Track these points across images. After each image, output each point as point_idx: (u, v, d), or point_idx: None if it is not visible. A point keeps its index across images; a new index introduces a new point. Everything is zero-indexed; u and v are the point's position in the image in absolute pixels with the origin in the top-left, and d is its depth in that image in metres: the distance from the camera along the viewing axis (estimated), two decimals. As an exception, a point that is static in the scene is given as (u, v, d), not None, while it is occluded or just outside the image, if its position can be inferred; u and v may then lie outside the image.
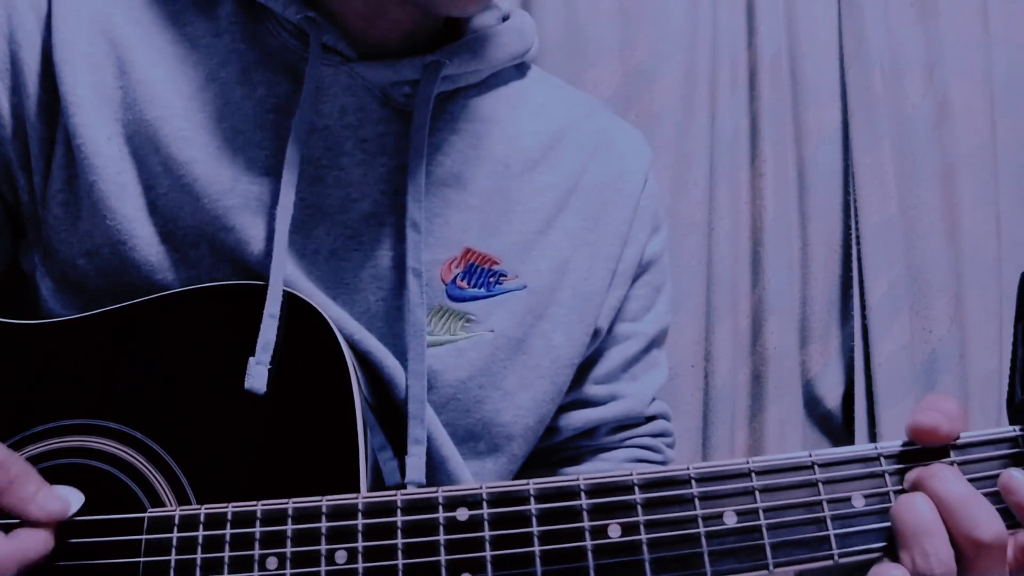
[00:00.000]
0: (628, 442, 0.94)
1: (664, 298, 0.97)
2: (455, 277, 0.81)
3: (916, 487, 0.60)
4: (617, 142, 0.94)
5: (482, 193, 0.83)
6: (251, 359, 0.69)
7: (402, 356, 0.78)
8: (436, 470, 0.79)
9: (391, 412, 0.78)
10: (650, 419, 0.96)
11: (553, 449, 0.93)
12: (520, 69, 0.92)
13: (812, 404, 1.73)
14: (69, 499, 0.63)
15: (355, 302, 0.78)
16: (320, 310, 0.71)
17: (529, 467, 0.93)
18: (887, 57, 1.72)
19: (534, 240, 0.84)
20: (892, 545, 0.60)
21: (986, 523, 0.58)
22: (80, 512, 0.64)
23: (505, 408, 0.83)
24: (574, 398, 0.91)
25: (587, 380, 0.91)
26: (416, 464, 0.75)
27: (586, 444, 0.93)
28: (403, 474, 0.75)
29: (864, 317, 1.69)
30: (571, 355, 0.86)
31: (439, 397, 0.80)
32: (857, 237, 1.70)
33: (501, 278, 0.83)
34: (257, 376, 0.69)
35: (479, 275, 0.82)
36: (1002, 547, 0.58)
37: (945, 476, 0.59)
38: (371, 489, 0.68)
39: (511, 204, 0.84)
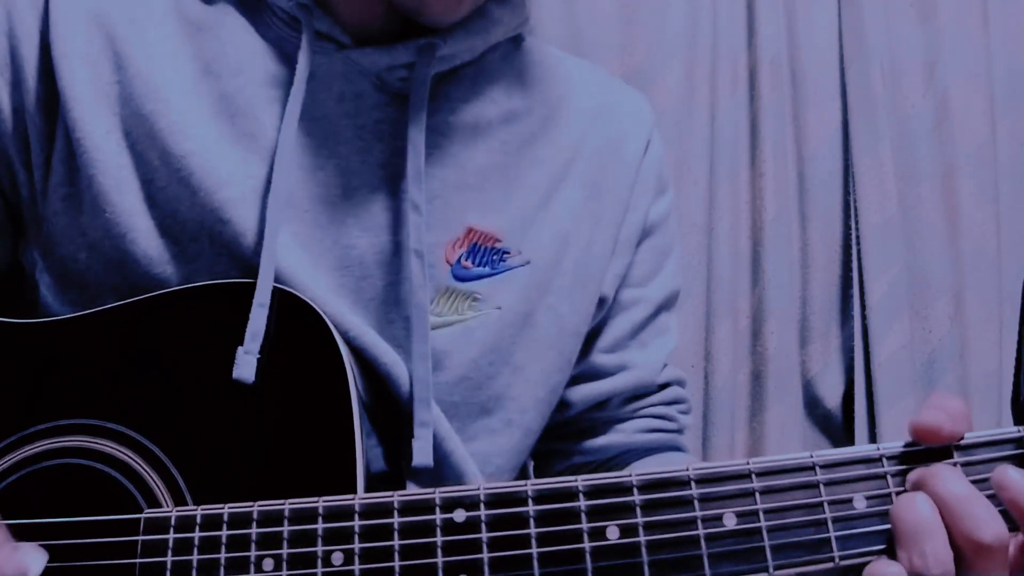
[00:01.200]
0: (641, 412, 0.94)
1: (672, 262, 0.96)
2: (459, 257, 0.81)
3: (917, 487, 0.59)
4: (618, 106, 0.93)
5: (481, 171, 0.83)
6: (240, 348, 0.68)
7: (404, 343, 0.78)
8: (440, 464, 0.79)
9: (388, 406, 0.77)
10: (663, 387, 0.95)
11: (567, 422, 0.93)
12: (516, 42, 0.91)
13: (812, 404, 1.73)
14: (28, 564, 0.61)
15: (360, 289, 0.78)
16: (315, 306, 0.71)
17: (544, 441, 0.93)
18: (887, 57, 1.72)
19: (534, 215, 0.84)
20: (892, 546, 0.59)
21: (987, 524, 0.56)
22: (76, 512, 0.64)
23: (516, 382, 0.83)
24: (583, 370, 0.91)
25: (595, 349, 0.91)
26: (423, 447, 0.75)
27: (599, 416, 0.93)
28: (410, 459, 0.75)
29: (864, 317, 1.69)
30: (577, 324, 0.87)
31: (450, 377, 0.80)
32: (857, 237, 1.70)
33: (505, 255, 0.82)
34: (245, 365, 0.68)
35: (483, 254, 0.82)
36: (1003, 548, 0.57)
37: (946, 476, 0.58)
38: (367, 482, 0.68)
39: (510, 181, 0.84)
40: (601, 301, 0.89)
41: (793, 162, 1.72)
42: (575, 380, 0.91)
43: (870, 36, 1.70)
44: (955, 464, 0.60)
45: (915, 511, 0.58)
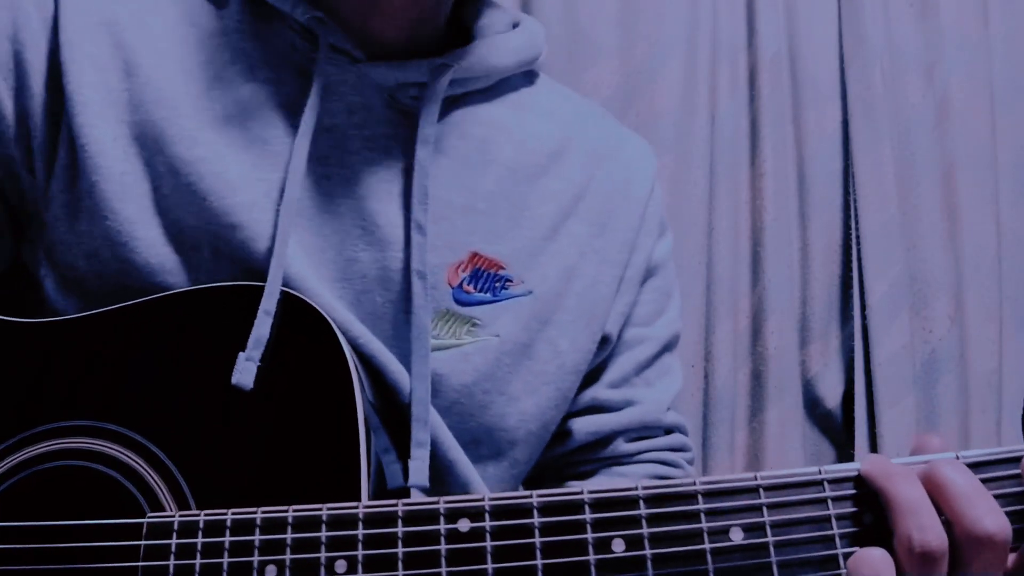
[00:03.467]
0: (646, 455, 0.92)
1: (674, 303, 0.96)
2: (462, 281, 0.80)
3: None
4: (624, 149, 0.94)
5: (488, 197, 0.83)
6: (241, 354, 0.68)
7: (407, 359, 0.77)
8: (444, 473, 0.79)
9: (396, 416, 0.77)
10: (668, 432, 0.94)
11: (566, 462, 0.92)
12: (528, 76, 0.92)
13: (812, 404, 1.72)
14: None
15: (361, 303, 0.78)
16: (322, 311, 0.71)
17: (539, 478, 0.92)
18: (887, 57, 1.72)
19: (541, 246, 0.84)
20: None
21: (989, 515, 0.56)
22: (79, 515, 0.64)
23: (509, 413, 0.82)
24: (589, 404, 0.90)
25: (601, 384, 0.90)
26: (419, 467, 0.75)
27: (601, 455, 0.91)
28: (406, 477, 0.75)
29: (864, 317, 1.69)
30: (576, 362, 0.86)
31: (443, 401, 0.79)
32: (857, 237, 1.70)
33: (507, 283, 0.82)
34: (245, 372, 0.68)
35: (485, 280, 0.81)
36: (1004, 545, 0.56)
37: (949, 465, 0.58)
38: (373, 492, 0.68)
39: (518, 209, 0.84)
40: (604, 339, 0.88)
41: (793, 162, 1.71)
42: (580, 412, 0.90)
43: (870, 36, 1.70)
44: None
45: (913, 486, 0.57)
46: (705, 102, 1.65)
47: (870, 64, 1.69)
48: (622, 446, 0.92)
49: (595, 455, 0.92)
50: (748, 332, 1.68)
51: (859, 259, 1.70)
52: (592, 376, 0.90)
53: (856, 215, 1.70)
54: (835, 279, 1.73)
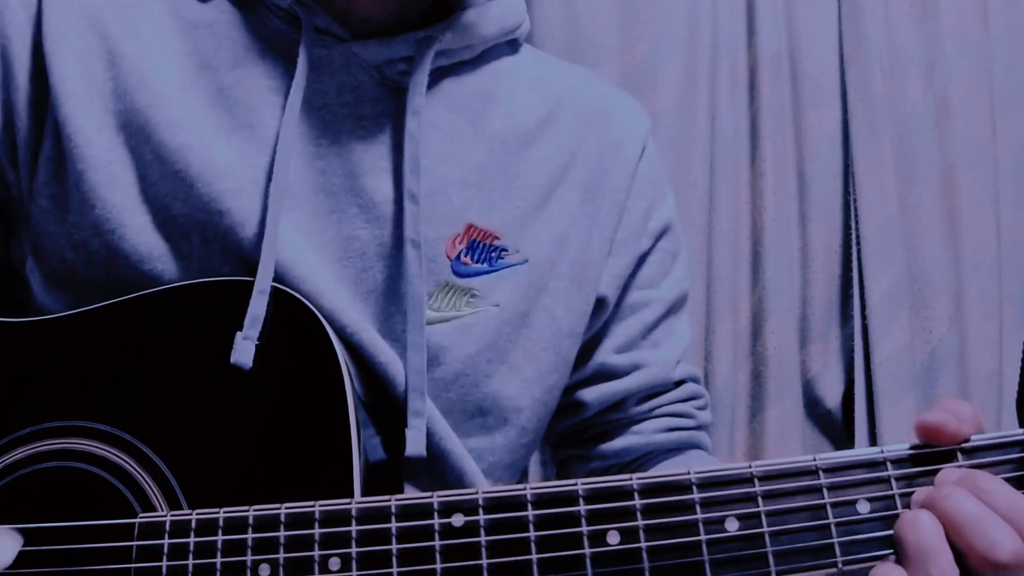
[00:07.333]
0: (658, 411, 0.94)
1: (680, 264, 0.97)
2: (459, 253, 0.81)
3: (924, 507, 0.58)
4: (614, 111, 0.94)
5: (481, 169, 0.84)
6: (238, 334, 0.68)
7: (402, 337, 0.78)
8: (438, 461, 0.79)
9: (385, 403, 0.77)
10: (678, 384, 0.95)
11: (584, 427, 0.94)
12: (512, 46, 0.92)
13: (812, 404, 1.72)
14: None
15: (363, 280, 0.79)
16: (311, 304, 0.71)
17: (563, 448, 0.95)
18: (887, 57, 1.71)
19: (533, 215, 0.85)
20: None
21: (1002, 543, 0.55)
22: (70, 517, 0.63)
23: (512, 381, 0.83)
24: (596, 371, 0.91)
25: (607, 350, 0.91)
26: (416, 437, 0.75)
27: (616, 418, 0.93)
28: (387, 450, 0.75)
29: (864, 317, 1.69)
30: (572, 325, 0.87)
31: (448, 373, 0.80)
32: (857, 237, 1.70)
33: (503, 253, 0.83)
34: (243, 351, 0.68)
35: (481, 251, 0.82)
36: (1021, 566, 0.56)
37: (955, 496, 0.57)
38: (362, 474, 0.67)
39: (509, 180, 0.85)
40: (599, 302, 0.89)
41: (793, 162, 1.71)
42: (589, 381, 0.91)
43: (870, 36, 1.70)
44: (959, 467, 0.59)
45: (918, 530, 0.57)
46: (705, 102, 1.65)
47: (870, 64, 1.69)
48: (634, 407, 0.93)
49: (608, 418, 0.93)
50: (748, 332, 1.68)
51: (859, 259, 1.70)
52: (596, 339, 0.91)
53: (856, 215, 1.70)
54: (835, 279, 1.73)
